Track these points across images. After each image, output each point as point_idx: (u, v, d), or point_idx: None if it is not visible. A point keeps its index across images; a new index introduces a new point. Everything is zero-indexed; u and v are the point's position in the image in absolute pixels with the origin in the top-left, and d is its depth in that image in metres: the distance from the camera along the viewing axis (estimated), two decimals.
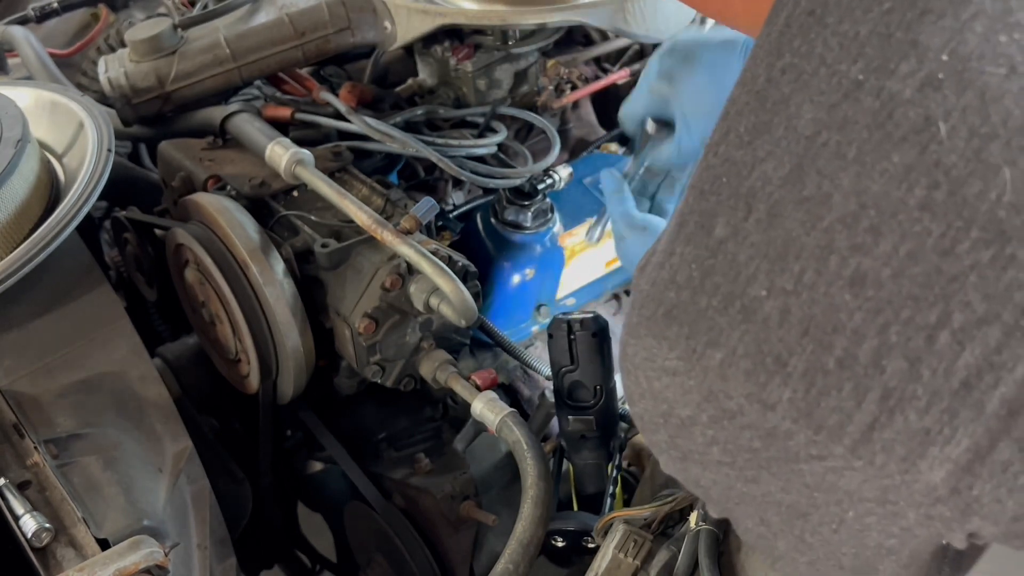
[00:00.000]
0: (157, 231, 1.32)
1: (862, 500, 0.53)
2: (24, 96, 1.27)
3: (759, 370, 0.52)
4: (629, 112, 1.16)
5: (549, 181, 1.32)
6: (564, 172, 1.33)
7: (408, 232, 1.08)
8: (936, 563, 0.59)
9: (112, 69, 1.32)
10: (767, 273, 0.52)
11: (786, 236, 0.51)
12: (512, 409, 1.05)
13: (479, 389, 1.09)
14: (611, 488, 1.12)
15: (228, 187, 1.25)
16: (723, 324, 0.53)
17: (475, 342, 1.31)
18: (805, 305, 0.51)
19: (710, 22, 1.27)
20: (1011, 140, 0.46)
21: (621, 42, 1.61)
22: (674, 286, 0.55)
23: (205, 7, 1.44)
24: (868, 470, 0.51)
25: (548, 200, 1.34)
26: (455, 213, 1.43)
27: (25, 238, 1.07)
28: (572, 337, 1.08)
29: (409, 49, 1.52)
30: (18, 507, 0.91)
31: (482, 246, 1.33)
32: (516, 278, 1.34)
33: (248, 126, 1.26)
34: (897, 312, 0.49)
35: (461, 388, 1.10)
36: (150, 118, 1.36)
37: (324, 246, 1.13)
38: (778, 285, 0.51)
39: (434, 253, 1.07)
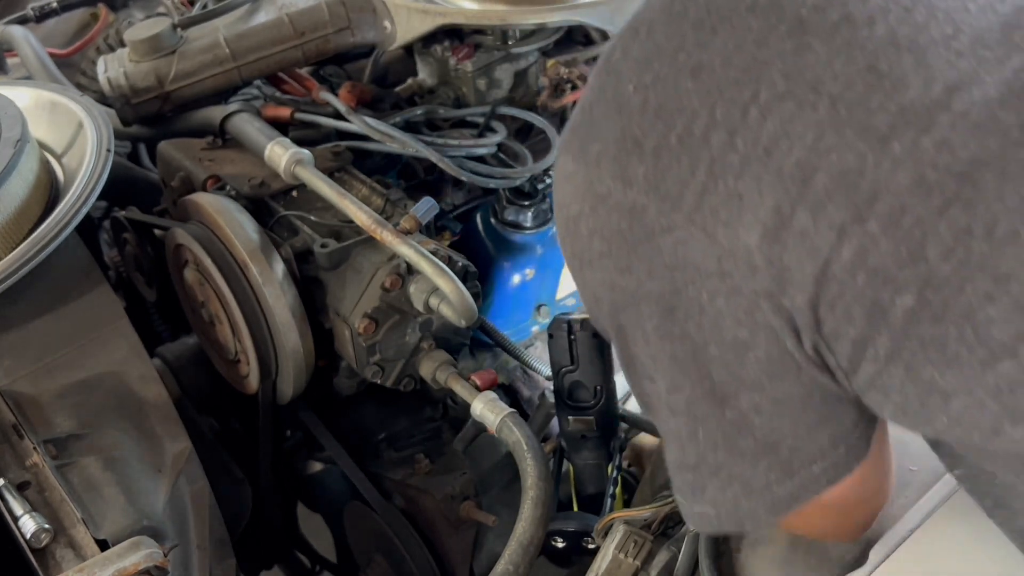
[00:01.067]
0: (156, 231, 1.32)
1: (708, 275, 0.61)
2: (23, 96, 1.27)
3: (622, 153, 0.63)
4: None
5: (549, 181, 1.32)
6: None
7: (408, 232, 1.08)
8: (808, 395, 0.64)
9: (112, 69, 1.32)
10: (637, 73, 0.64)
11: (655, 45, 0.64)
12: (512, 409, 1.05)
13: (479, 389, 1.09)
14: (611, 488, 1.12)
15: (228, 187, 1.25)
16: (602, 122, 0.65)
17: (475, 342, 1.31)
18: (659, 94, 0.62)
19: None
20: None
21: None
22: (580, 109, 0.69)
23: (204, 7, 1.44)
24: (703, 238, 0.60)
25: (548, 200, 1.34)
26: (455, 213, 1.42)
27: (24, 238, 1.07)
28: (572, 337, 1.07)
29: (409, 49, 1.51)
30: (17, 508, 0.91)
31: (482, 246, 1.33)
32: (516, 278, 1.34)
33: (248, 126, 1.26)
34: (723, 92, 0.59)
35: (461, 388, 1.10)
36: (150, 118, 1.35)
37: (324, 246, 1.13)
38: (642, 81, 0.63)
39: (434, 253, 1.07)
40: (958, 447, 0.65)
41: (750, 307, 0.61)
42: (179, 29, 1.35)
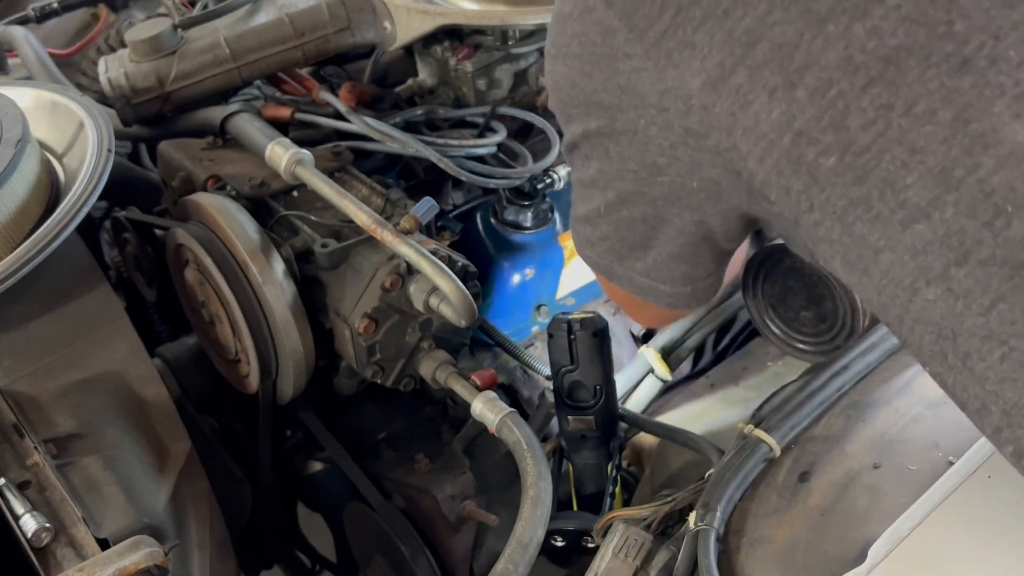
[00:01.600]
0: (157, 231, 1.32)
1: (649, 106, 0.71)
2: (24, 96, 1.27)
3: None
4: None
5: (549, 181, 1.32)
6: (564, 172, 1.33)
7: (408, 232, 1.08)
8: (690, 216, 0.78)
9: (112, 69, 1.32)
10: None
11: None
12: (512, 409, 1.05)
13: (479, 389, 1.09)
14: (611, 488, 1.12)
15: (228, 187, 1.25)
16: None
17: (475, 342, 1.31)
18: None
19: None
20: None
21: None
22: None
23: (204, 7, 1.44)
24: (655, 72, 0.69)
25: (548, 200, 1.34)
26: (455, 213, 1.43)
27: (25, 238, 1.07)
28: (572, 337, 1.08)
29: (409, 49, 1.51)
30: (18, 507, 0.91)
31: (482, 246, 1.34)
32: (516, 278, 1.34)
33: (248, 126, 1.26)
34: None
35: (461, 388, 1.10)
36: (150, 118, 1.36)
37: (324, 246, 1.13)
38: None
39: (434, 253, 1.07)
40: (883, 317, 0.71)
41: (675, 141, 0.71)
42: (179, 30, 1.35)
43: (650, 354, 1.32)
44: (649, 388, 1.35)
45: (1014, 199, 0.57)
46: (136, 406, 1.07)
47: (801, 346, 1.10)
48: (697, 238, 0.81)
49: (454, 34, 1.43)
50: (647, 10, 0.68)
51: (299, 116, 1.36)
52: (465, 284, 1.06)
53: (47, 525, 0.89)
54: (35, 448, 0.97)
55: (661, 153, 0.73)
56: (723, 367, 1.33)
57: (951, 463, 0.86)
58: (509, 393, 1.37)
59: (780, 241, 1.02)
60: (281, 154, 1.16)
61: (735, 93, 0.65)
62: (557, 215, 1.35)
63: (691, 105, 0.68)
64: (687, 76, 0.67)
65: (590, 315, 1.09)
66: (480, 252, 1.32)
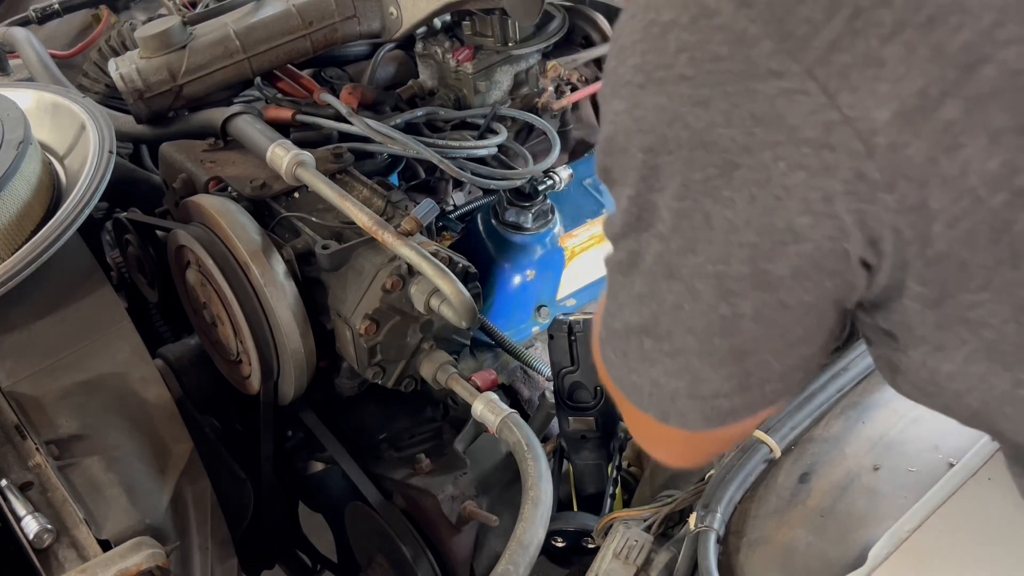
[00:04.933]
0: (158, 232, 1.33)
1: (802, 142, 0.52)
2: (26, 98, 1.27)
3: None
4: None
5: (550, 182, 1.32)
6: (564, 173, 1.34)
7: (409, 234, 1.08)
8: (830, 283, 0.58)
9: (124, 66, 1.33)
10: None
11: None
12: (512, 410, 1.05)
13: (479, 390, 1.09)
14: (611, 488, 1.12)
15: (229, 189, 1.25)
16: None
17: (476, 343, 1.31)
18: None
19: None
20: None
21: None
22: None
23: (207, 5, 1.44)
24: (819, 97, 0.51)
25: (549, 201, 1.34)
26: (456, 214, 1.43)
27: (27, 240, 1.08)
28: (573, 338, 1.08)
29: (410, 51, 1.52)
30: (20, 508, 0.91)
31: (483, 247, 1.34)
32: (517, 279, 1.34)
33: (249, 128, 1.26)
34: None
35: (462, 389, 1.11)
36: (163, 113, 1.36)
37: (325, 248, 1.13)
38: None
39: (434, 254, 1.07)
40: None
41: (834, 192, 0.53)
42: (188, 26, 1.36)
43: None
44: None
45: None
46: (138, 407, 1.08)
47: None
48: (823, 309, 0.61)
49: (455, 35, 1.43)
50: (807, 12, 0.51)
51: (300, 118, 1.36)
52: (466, 285, 1.06)
53: (49, 526, 0.90)
54: (37, 449, 0.97)
55: (806, 211, 0.54)
56: None
57: (951, 465, 0.86)
58: (509, 394, 1.37)
59: None
60: (282, 156, 1.16)
61: (942, 132, 0.49)
62: (558, 216, 1.35)
63: (874, 144, 0.51)
64: (871, 104, 0.50)
65: (591, 316, 1.10)
66: (481, 253, 1.32)
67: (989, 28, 0.48)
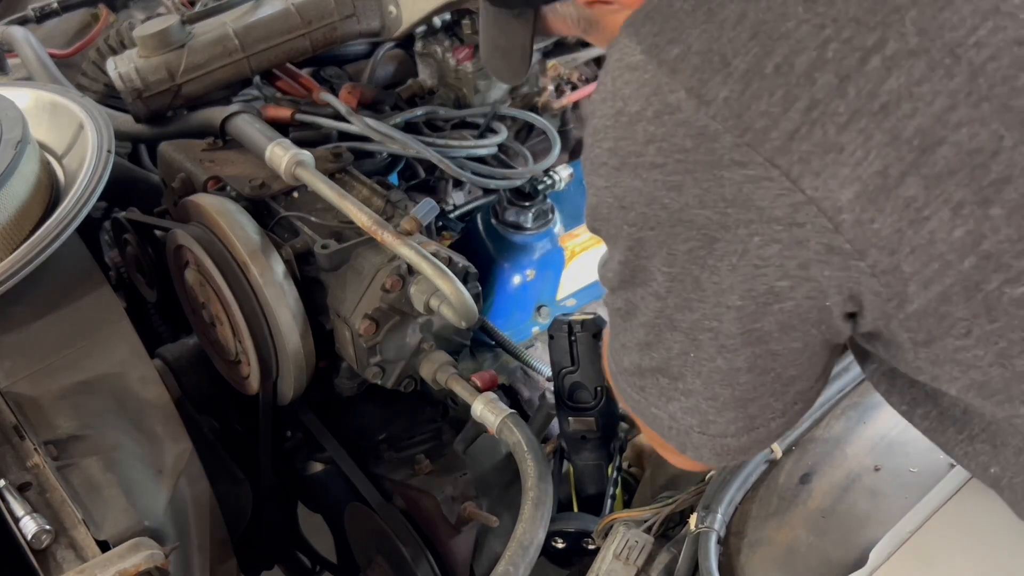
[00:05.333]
0: (157, 232, 1.32)
1: (772, 220, 0.56)
2: (24, 97, 1.27)
3: (705, 66, 0.56)
4: None
5: (549, 182, 1.32)
6: (564, 173, 1.33)
7: (408, 233, 1.08)
8: (808, 354, 0.64)
9: (122, 65, 1.32)
10: None
11: None
12: (512, 410, 1.05)
13: (479, 390, 1.09)
14: (611, 489, 1.12)
15: (228, 188, 1.25)
16: (687, 23, 0.57)
17: (476, 343, 1.31)
18: (761, 11, 0.55)
19: None
20: None
21: None
22: None
23: (206, 4, 1.44)
24: (783, 182, 0.54)
25: (549, 201, 1.34)
26: (455, 214, 1.43)
27: (25, 239, 1.07)
28: (573, 338, 1.08)
29: (409, 50, 1.52)
30: (18, 509, 0.91)
31: (483, 247, 1.33)
32: (517, 279, 1.34)
33: (248, 127, 1.26)
34: (840, 31, 0.53)
35: (461, 389, 1.10)
36: (162, 112, 1.36)
37: (324, 247, 1.13)
38: None
39: (434, 254, 1.07)
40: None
41: (808, 259, 0.56)
42: (186, 25, 1.35)
43: None
44: None
45: None
46: (137, 407, 1.07)
47: None
48: (814, 350, 0.65)
49: (455, 34, 1.43)
50: (764, 107, 0.54)
51: (299, 117, 1.36)
52: (465, 285, 1.06)
53: (47, 527, 0.89)
54: (35, 450, 0.97)
55: (784, 276, 0.58)
56: None
57: (952, 466, 0.86)
58: (509, 394, 1.37)
59: None
60: (281, 155, 1.16)
61: (904, 207, 0.52)
62: (558, 216, 1.35)
63: (840, 221, 0.54)
64: (833, 185, 0.53)
65: (591, 316, 1.09)
66: (481, 253, 1.32)
67: (941, 112, 0.51)
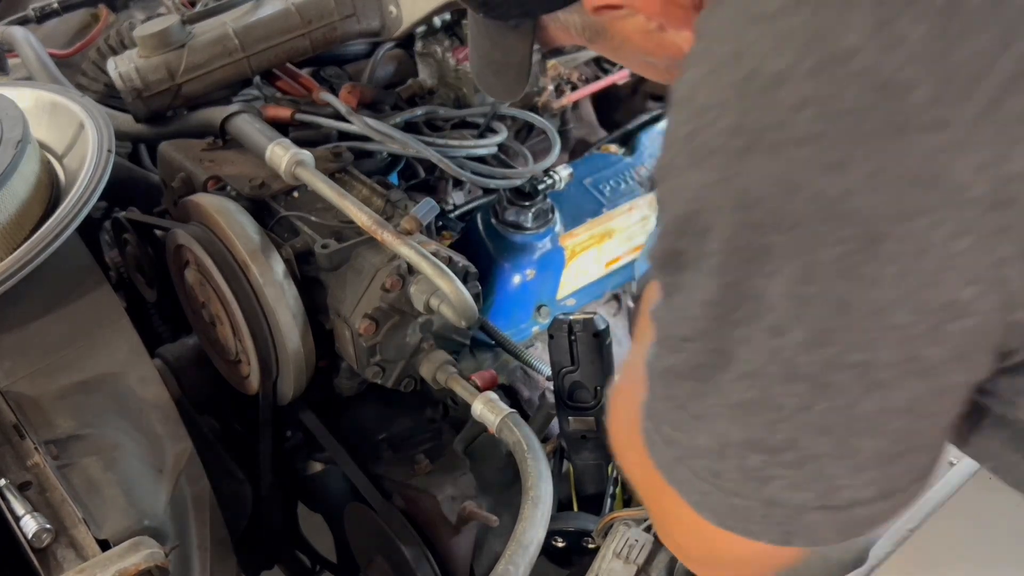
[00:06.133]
0: (157, 232, 1.32)
1: (968, 203, 0.43)
2: (24, 97, 1.27)
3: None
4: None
5: (549, 181, 1.32)
6: (564, 172, 1.33)
7: (408, 233, 1.08)
8: (986, 360, 0.50)
9: (122, 65, 1.33)
10: None
11: None
12: (512, 410, 1.05)
13: (479, 390, 1.09)
14: (611, 488, 1.12)
15: (228, 188, 1.25)
16: None
17: (476, 342, 1.31)
18: None
19: None
20: None
21: None
22: None
23: (206, 4, 1.44)
24: (994, 147, 0.42)
25: (549, 200, 1.34)
26: (455, 213, 1.43)
27: (26, 239, 1.07)
28: (573, 338, 1.08)
29: (410, 50, 1.52)
30: (19, 508, 0.91)
31: (483, 247, 1.33)
32: (517, 278, 1.34)
33: (248, 127, 1.26)
34: None
35: (461, 389, 1.10)
36: (162, 112, 1.36)
37: (324, 247, 1.13)
38: None
39: (434, 254, 1.07)
40: None
41: (1005, 258, 0.45)
42: (187, 25, 1.36)
43: None
44: None
45: None
46: (136, 407, 1.07)
47: None
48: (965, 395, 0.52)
49: (455, 34, 1.43)
50: (974, 48, 0.42)
51: (299, 117, 1.36)
52: (465, 284, 1.06)
53: (48, 526, 0.89)
54: (36, 449, 0.97)
55: (972, 280, 0.45)
56: None
57: (952, 464, 0.86)
58: (509, 394, 1.37)
59: None
60: (281, 155, 1.16)
61: None
62: (558, 215, 1.35)
63: None
64: None
65: (591, 316, 1.09)
66: (481, 253, 1.32)
67: None
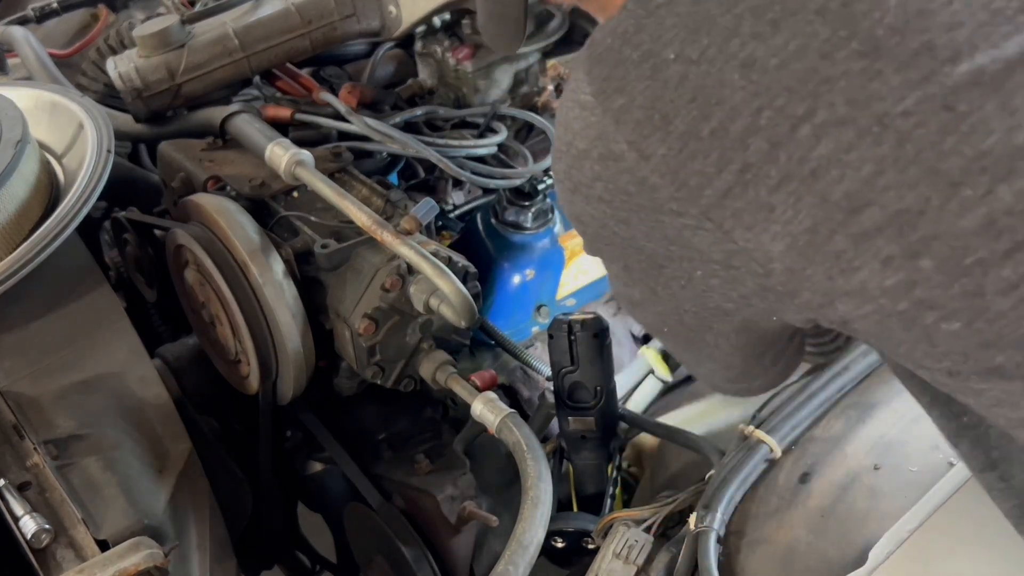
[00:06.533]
0: (157, 232, 1.32)
1: (710, 260, 0.61)
2: (24, 97, 1.27)
3: (647, 122, 0.59)
4: None
5: (549, 181, 1.32)
6: None
7: (408, 233, 1.08)
8: (767, 342, 0.71)
9: (122, 65, 1.32)
10: (681, 41, 0.58)
11: (706, 13, 0.58)
12: (512, 410, 1.04)
13: (479, 390, 1.09)
14: (611, 489, 1.12)
15: (228, 188, 1.25)
16: (633, 76, 0.60)
17: (476, 342, 1.31)
18: (701, 75, 0.57)
19: None
20: None
21: None
22: (612, 35, 0.62)
23: (206, 4, 1.44)
24: (717, 233, 0.58)
25: (548, 200, 1.34)
26: (455, 213, 1.43)
27: (25, 239, 1.07)
28: (573, 338, 1.08)
29: (409, 50, 1.52)
30: (18, 508, 0.91)
31: (482, 246, 1.33)
32: (516, 278, 1.34)
33: (248, 127, 1.26)
34: (773, 99, 0.55)
35: (461, 389, 1.10)
36: (161, 112, 1.36)
37: (324, 247, 1.13)
38: (686, 53, 0.58)
39: (434, 254, 1.07)
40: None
41: (747, 294, 0.61)
42: (186, 24, 1.36)
43: (651, 354, 1.32)
44: (650, 388, 1.35)
45: None
46: (136, 407, 1.07)
47: None
48: (773, 334, 0.73)
49: (454, 34, 1.43)
50: (699, 167, 0.57)
51: (299, 117, 1.36)
52: (465, 284, 1.06)
53: (47, 526, 0.89)
54: (35, 449, 0.97)
55: (727, 300, 0.64)
56: None
57: (952, 465, 0.86)
58: (509, 394, 1.37)
59: None
60: (281, 155, 1.16)
61: (834, 259, 0.55)
62: (558, 215, 1.35)
63: (771, 268, 0.58)
64: (764, 239, 0.57)
65: (591, 316, 1.09)
66: (480, 252, 1.32)
67: (869, 177, 0.53)
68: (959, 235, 0.52)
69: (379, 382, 1.16)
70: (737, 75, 0.56)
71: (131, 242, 1.35)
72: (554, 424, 1.17)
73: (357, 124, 1.29)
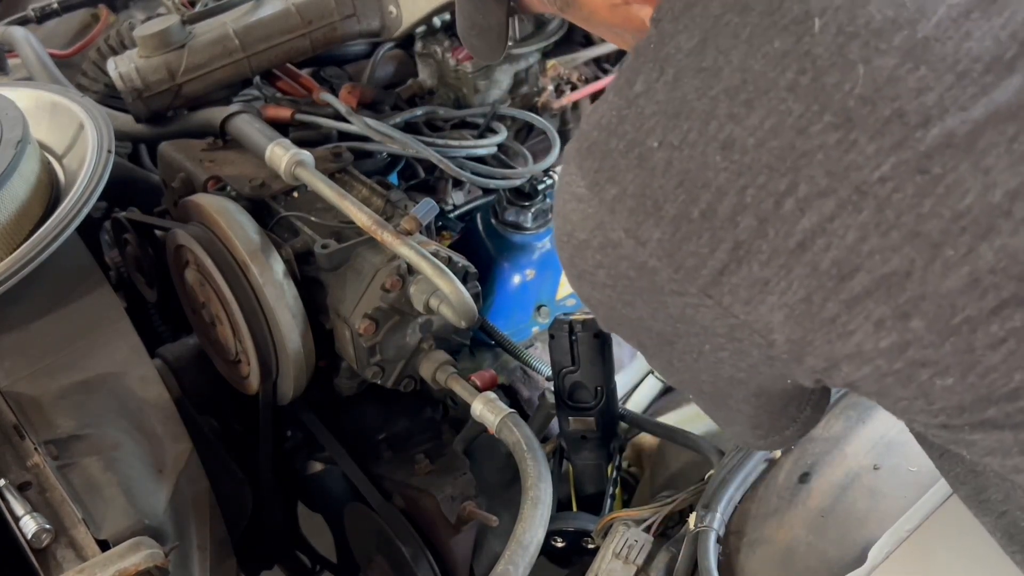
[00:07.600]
0: (157, 232, 1.32)
1: (715, 335, 0.62)
2: (24, 97, 1.27)
3: (639, 210, 0.61)
4: None
5: (549, 181, 1.32)
6: None
7: (408, 233, 1.08)
8: (786, 398, 0.72)
9: (123, 65, 1.33)
10: (663, 128, 0.60)
11: (683, 98, 0.59)
12: (512, 410, 1.05)
13: (479, 390, 1.09)
14: (611, 489, 1.12)
15: (228, 188, 1.25)
16: (622, 165, 0.62)
17: (476, 342, 1.31)
18: (685, 160, 0.59)
19: None
20: (869, 41, 0.55)
21: None
22: (598, 127, 0.64)
23: (206, 4, 1.44)
24: (717, 309, 0.60)
25: (548, 200, 1.34)
26: (455, 214, 1.43)
27: (26, 239, 1.07)
28: (573, 338, 1.08)
29: (409, 50, 1.52)
30: (18, 508, 0.91)
31: (482, 247, 1.33)
32: (516, 279, 1.34)
33: (248, 127, 1.26)
34: (755, 177, 0.57)
35: (461, 389, 1.10)
36: (162, 112, 1.36)
37: (324, 247, 1.13)
38: (668, 140, 0.60)
39: (434, 254, 1.07)
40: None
41: (755, 363, 0.63)
42: (187, 25, 1.36)
43: None
44: (650, 388, 1.35)
45: None
46: (136, 407, 1.07)
47: None
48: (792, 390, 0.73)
49: (454, 34, 1.43)
50: (693, 248, 0.59)
51: (299, 117, 1.36)
52: (465, 285, 1.06)
53: (47, 526, 0.90)
54: (36, 449, 0.97)
55: (738, 371, 0.66)
56: None
57: None
58: (509, 394, 1.37)
59: None
60: (281, 155, 1.16)
61: (830, 324, 0.57)
62: None
63: (773, 339, 0.59)
64: (763, 311, 0.59)
65: (591, 316, 1.09)
66: (480, 253, 1.32)
67: (854, 244, 0.54)
68: (946, 295, 0.53)
69: (379, 382, 1.17)
70: (719, 156, 0.58)
71: (131, 242, 1.35)
72: (554, 424, 1.17)
73: (357, 124, 1.29)
